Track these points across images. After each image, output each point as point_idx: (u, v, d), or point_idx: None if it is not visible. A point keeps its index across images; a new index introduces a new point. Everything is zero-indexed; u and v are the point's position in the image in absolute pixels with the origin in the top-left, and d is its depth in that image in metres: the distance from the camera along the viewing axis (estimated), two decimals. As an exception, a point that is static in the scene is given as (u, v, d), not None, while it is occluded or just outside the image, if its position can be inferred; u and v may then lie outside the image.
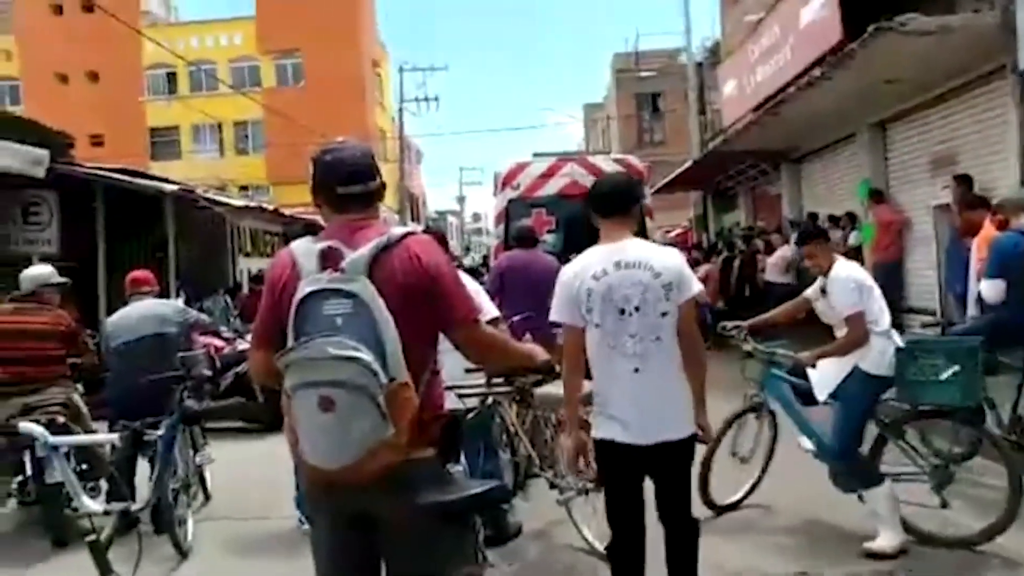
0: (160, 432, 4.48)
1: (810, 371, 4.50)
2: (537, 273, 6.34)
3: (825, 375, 4.41)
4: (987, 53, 8.03)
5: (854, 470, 4.27)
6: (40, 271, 5.44)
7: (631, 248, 3.05)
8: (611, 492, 3.18)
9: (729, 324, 5.05)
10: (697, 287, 3.08)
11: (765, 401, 4.80)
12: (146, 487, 4.48)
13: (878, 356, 4.20)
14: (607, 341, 3.01)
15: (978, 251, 5.84)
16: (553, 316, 3.13)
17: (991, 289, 5.11)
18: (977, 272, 5.74)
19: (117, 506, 3.38)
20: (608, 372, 3.04)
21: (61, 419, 4.73)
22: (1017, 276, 5.01)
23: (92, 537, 2.94)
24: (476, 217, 60.67)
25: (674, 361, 3.01)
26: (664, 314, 2.97)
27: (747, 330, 4.90)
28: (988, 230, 5.79)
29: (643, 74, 30.45)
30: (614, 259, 3.01)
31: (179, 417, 4.66)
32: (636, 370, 2.98)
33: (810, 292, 4.66)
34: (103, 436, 4.73)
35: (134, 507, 3.45)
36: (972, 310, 6.02)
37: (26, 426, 3.53)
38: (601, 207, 3.18)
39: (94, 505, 3.30)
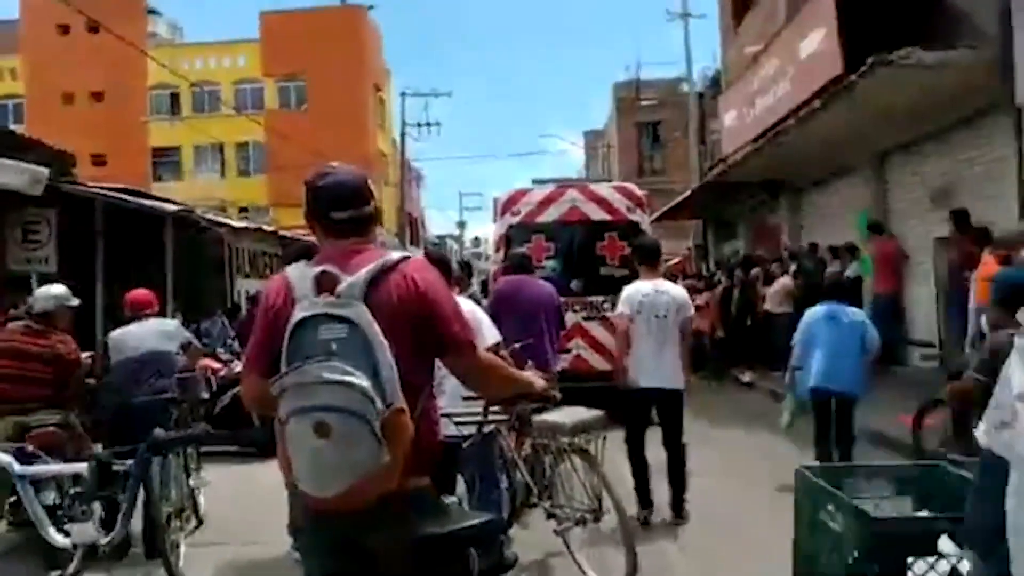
0: (130, 463, 4.33)
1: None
2: (530, 300, 6.32)
3: None
4: (986, 87, 8.09)
5: None
6: (56, 291, 5.28)
7: (662, 284, 5.49)
8: (632, 417, 5.39)
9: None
10: (691, 311, 5.58)
11: None
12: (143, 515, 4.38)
13: None
14: (647, 331, 5.30)
15: (978, 287, 5.83)
16: (618, 309, 5.44)
17: None
18: (977, 306, 5.73)
19: (85, 540, 3.28)
20: (643, 349, 5.32)
21: (31, 447, 4.60)
22: (1020, 311, 4.98)
23: (56, 572, 2.87)
24: (476, 242, 60.68)
25: (675, 346, 5.35)
26: (676, 321, 5.35)
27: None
28: (989, 265, 5.78)
29: (644, 103, 30.67)
30: (655, 288, 5.40)
31: (146, 447, 4.53)
32: (659, 348, 5.29)
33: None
34: (74, 466, 4.58)
35: (103, 541, 3.34)
36: (970, 345, 6.01)
37: None
38: (644, 257, 5.63)
39: (59, 538, 3.22)
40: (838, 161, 12.45)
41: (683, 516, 5.30)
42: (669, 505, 5.32)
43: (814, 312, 6.11)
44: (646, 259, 5.58)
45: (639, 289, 5.39)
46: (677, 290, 5.58)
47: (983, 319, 5.28)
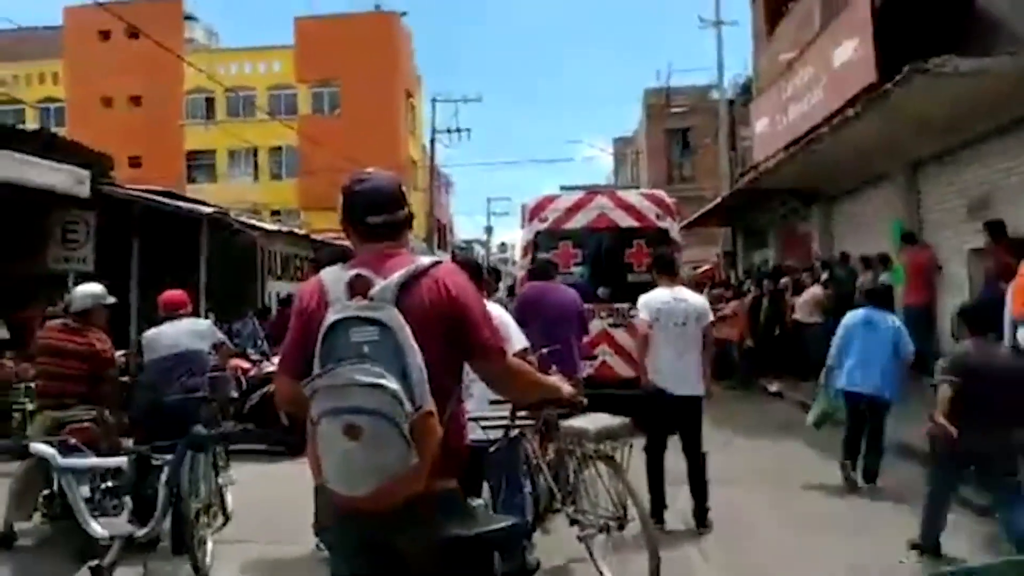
0: (168, 458, 4.40)
1: None
2: (555, 305, 6.32)
3: None
4: (1022, 95, 7.95)
5: None
6: (93, 290, 5.41)
7: (681, 292, 5.56)
8: (654, 423, 5.39)
9: None
10: (711, 318, 5.57)
11: None
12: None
13: None
14: (666, 338, 5.33)
15: (1016, 297, 5.73)
16: (641, 316, 5.46)
17: None
18: (1014, 318, 5.63)
19: (122, 532, 3.34)
20: (663, 354, 5.34)
21: (73, 440, 4.71)
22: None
23: (94, 563, 2.93)
24: (503, 247, 60.78)
25: (697, 353, 5.38)
26: (697, 328, 5.40)
27: None
28: (1024, 276, 5.68)
29: (674, 110, 30.53)
30: (673, 296, 5.47)
31: (186, 444, 4.61)
32: (680, 356, 5.33)
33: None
34: (114, 460, 4.68)
35: (139, 533, 3.40)
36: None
37: (36, 447, 3.54)
38: (663, 268, 5.68)
39: (99, 530, 3.27)
40: (871, 170, 12.29)
41: (707, 524, 5.30)
42: (692, 514, 5.33)
43: (854, 315, 6.42)
44: (663, 269, 5.66)
45: (657, 297, 5.46)
46: (696, 298, 5.64)
47: (1020, 331, 5.20)
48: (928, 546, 4.62)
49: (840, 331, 6.40)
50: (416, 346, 2.02)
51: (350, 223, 2.28)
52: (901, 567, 4.60)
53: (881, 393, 6.11)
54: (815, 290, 12.16)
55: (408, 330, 2.03)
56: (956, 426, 4.25)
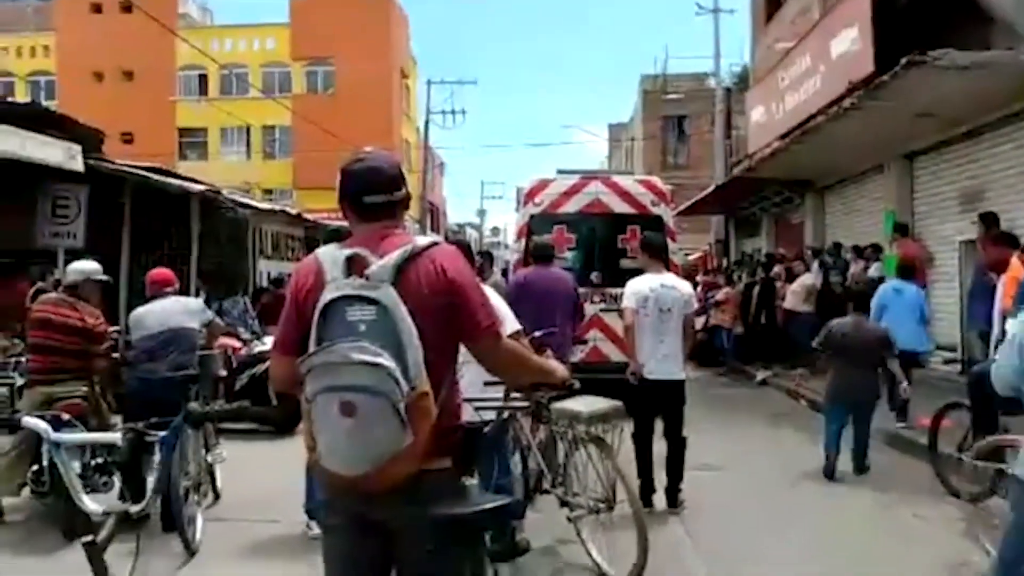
0: (163, 434, 4.38)
1: None
2: (550, 289, 6.31)
3: None
4: (1020, 90, 7.97)
5: None
6: (87, 266, 5.42)
7: (668, 278, 5.57)
8: (641, 407, 5.40)
9: None
10: (695, 306, 5.87)
11: None
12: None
13: None
14: (650, 324, 5.38)
15: (1005, 290, 5.77)
16: (625, 303, 5.53)
17: (1021, 328, 5.04)
18: (1002, 310, 5.67)
19: (116, 508, 3.33)
20: (647, 341, 5.40)
21: (66, 416, 4.67)
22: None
23: (88, 538, 2.92)
24: (495, 231, 60.58)
25: (678, 339, 5.43)
26: (680, 315, 5.45)
27: None
28: (1016, 269, 5.72)
29: (670, 96, 30.46)
30: (660, 282, 5.48)
31: (182, 420, 4.61)
32: (661, 342, 5.40)
33: None
34: (107, 435, 4.66)
35: (133, 509, 3.38)
36: (994, 349, 5.95)
37: (29, 421, 3.51)
38: (653, 253, 5.65)
39: (93, 505, 3.25)
40: (865, 161, 12.31)
41: (677, 505, 5.36)
42: (664, 493, 5.38)
43: (885, 286, 7.69)
44: (653, 254, 5.65)
45: (645, 283, 5.46)
46: (683, 285, 5.67)
47: (1008, 322, 5.23)
48: (827, 471, 6.15)
49: (875, 301, 7.44)
50: (412, 326, 2.02)
51: (347, 202, 2.26)
52: (880, 547, 4.66)
53: (910, 347, 7.13)
54: (806, 279, 12.20)
55: (404, 310, 2.03)
56: (836, 376, 6.40)
